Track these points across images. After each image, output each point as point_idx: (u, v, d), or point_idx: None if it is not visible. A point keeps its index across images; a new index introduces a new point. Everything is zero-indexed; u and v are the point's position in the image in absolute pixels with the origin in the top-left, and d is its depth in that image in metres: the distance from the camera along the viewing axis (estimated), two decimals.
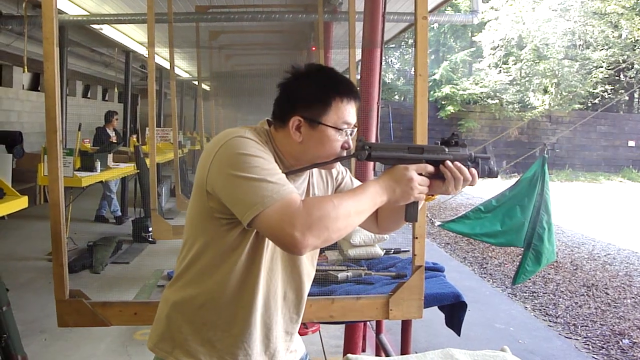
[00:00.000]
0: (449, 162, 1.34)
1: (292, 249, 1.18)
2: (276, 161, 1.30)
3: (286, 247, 1.20)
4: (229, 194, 1.23)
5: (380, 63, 3.48)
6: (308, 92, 1.34)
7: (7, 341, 2.89)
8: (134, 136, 9.28)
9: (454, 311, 2.45)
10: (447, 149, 1.36)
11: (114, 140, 7.97)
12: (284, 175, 1.25)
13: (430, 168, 1.34)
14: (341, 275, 2.54)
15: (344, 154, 1.38)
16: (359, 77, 3.80)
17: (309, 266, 1.49)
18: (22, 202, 3.33)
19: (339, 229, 1.21)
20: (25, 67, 5.81)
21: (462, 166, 1.34)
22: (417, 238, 2.07)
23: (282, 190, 1.19)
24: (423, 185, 1.33)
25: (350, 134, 1.38)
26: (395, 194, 1.31)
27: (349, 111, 1.36)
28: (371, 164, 3.27)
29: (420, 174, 1.33)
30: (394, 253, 3.11)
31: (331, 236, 1.20)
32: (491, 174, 1.41)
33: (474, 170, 1.36)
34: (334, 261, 2.93)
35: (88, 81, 14.18)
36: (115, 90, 11.45)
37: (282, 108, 1.37)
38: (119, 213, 8.17)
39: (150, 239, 6.72)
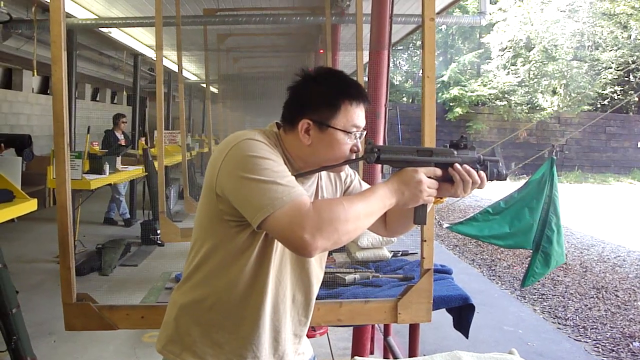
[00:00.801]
0: (457, 165, 1.34)
1: (302, 251, 1.18)
2: (285, 164, 1.30)
3: (296, 249, 1.20)
4: (238, 196, 1.23)
5: (388, 65, 3.47)
6: (317, 95, 1.34)
7: (16, 343, 2.91)
8: (143, 139, 9.31)
9: (462, 313, 2.44)
10: (455, 152, 1.36)
11: (123, 143, 8.00)
12: (293, 177, 1.25)
13: (439, 171, 1.34)
14: (349, 278, 2.54)
15: (353, 157, 1.38)
16: (366, 79, 3.80)
17: (317, 269, 1.49)
18: (31, 205, 3.35)
19: (348, 231, 1.21)
20: (35, 70, 5.85)
21: (471, 169, 1.35)
22: (425, 241, 2.06)
23: (292, 192, 1.19)
24: (432, 188, 1.33)
25: (359, 137, 1.38)
26: (404, 197, 1.31)
27: (358, 114, 1.36)
28: (379, 166, 3.27)
29: (430, 177, 1.32)
30: (401, 255, 3.10)
31: (341, 238, 1.20)
32: (500, 177, 1.41)
33: (482, 173, 1.36)
34: (342, 263, 2.93)
35: (97, 84, 14.25)
36: (124, 93, 11.52)
37: (291, 111, 1.37)
38: (128, 215, 8.21)
39: (158, 242, 6.74)
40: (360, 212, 1.23)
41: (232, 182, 1.24)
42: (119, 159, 6.61)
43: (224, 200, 1.27)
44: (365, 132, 1.40)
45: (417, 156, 1.35)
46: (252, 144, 1.26)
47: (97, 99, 15.23)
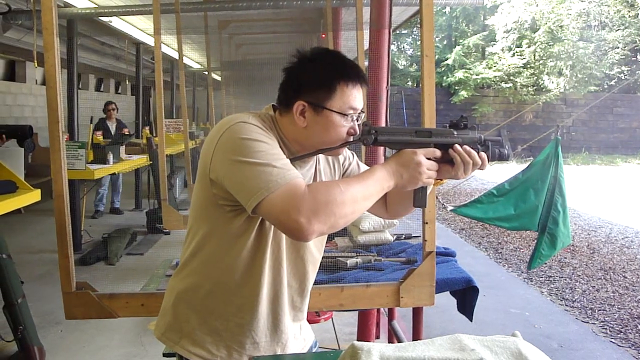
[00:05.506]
0: (457, 146, 1.29)
1: (298, 235, 1.15)
2: (281, 147, 1.27)
3: (292, 233, 1.16)
4: (232, 180, 1.20)
5: (389, 45, 3.41)
6: (312, 76, 1.30)
7: (23, 332, 2.92)
8: (147, 128, 9.28)
9: (466, 296, 2.42)
10: (455, 132, 1.32)
11: (123, 132, 7.90)
12: (288, 160, 1.22)
13: (438, 152, 1.30)
14: (350, 262, 2.52)
15: (350, 139, 1.34)
16: (367, 63, 3.74)
17: (315, 254, 1.46)
18: (34, 196, 3.35)
19: (345, 214, 1.17)
20: (36, 61, 5.81)
21: (472, 150, 1.30)
22: (427, 223, 2.04)
23: (287, 175, 1.16)
24: (431, 169, 1.29)
25: (357, 120, 1.34)
26: (402, 179, 1.27)
27: (354, 96, 1.31)
28: (381, 149, 3.22)
29: (429, 158, 1.28)
30: (404, 238, 3.08)
31: (338, 222, 1.16)
32: (501, 158, 1.37)
33: (483, 154, 1.32)
34: (344, 248, 2.91)
35: (100, 74, 14.23)
36: (127, 82, 11.47)
37: (286, 93, 1.33)
38: (101, 208, 7.95)
39: (164, 230, 6.74)
40: (357, 194, 1.19)
41: (225, 166, 1.21)
42: (122, 149, 6.61)
43: (218, 185, 1.25)
44: (363, 114, 1.36)
45: (415, 137, 1.31)
46: (245, 126, 1.23)
47: (101, 89, 15.22)
